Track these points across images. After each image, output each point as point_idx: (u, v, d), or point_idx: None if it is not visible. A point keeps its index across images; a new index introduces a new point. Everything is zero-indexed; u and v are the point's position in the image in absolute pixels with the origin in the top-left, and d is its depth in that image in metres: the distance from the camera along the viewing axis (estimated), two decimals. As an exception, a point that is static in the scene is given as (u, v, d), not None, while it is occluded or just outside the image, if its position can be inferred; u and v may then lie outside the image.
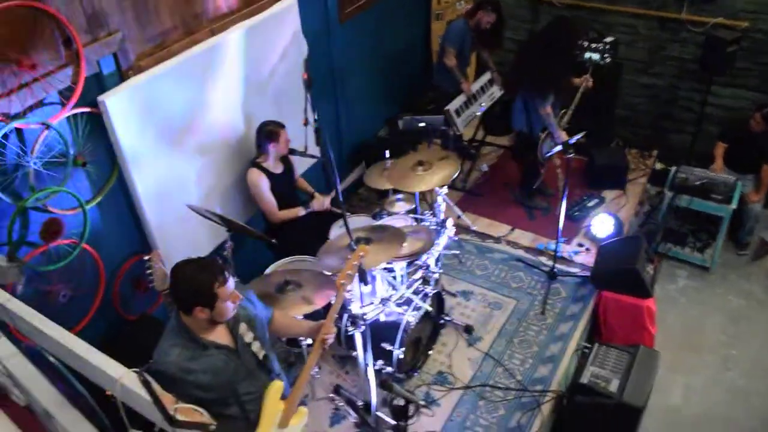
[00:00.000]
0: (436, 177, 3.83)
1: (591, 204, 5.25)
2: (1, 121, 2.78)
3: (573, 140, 4.09)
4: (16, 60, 2.77)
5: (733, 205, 4.73)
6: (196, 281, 2.29)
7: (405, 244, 3.33)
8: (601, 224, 4.84)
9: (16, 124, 2.85)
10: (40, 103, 2.96)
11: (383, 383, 2.65)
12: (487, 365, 4.03)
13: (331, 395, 3.83)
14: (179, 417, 1.63)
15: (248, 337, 2.53)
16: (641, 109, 5.80)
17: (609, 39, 5.34)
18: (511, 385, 3.89)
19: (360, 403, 3.70)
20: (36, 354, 2.47)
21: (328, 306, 2.99)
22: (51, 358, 2.29)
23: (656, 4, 5.25)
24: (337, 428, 3.72)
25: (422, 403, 2.66)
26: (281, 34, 4.19)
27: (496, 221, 5.25)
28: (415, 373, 3.95)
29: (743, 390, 4.23)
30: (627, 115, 5.88)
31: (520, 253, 4.92)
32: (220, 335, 2.47)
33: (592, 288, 4.45)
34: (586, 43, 5.38)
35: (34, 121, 2.93)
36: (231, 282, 2.36)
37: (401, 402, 2.63)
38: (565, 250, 4.86)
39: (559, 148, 4.10)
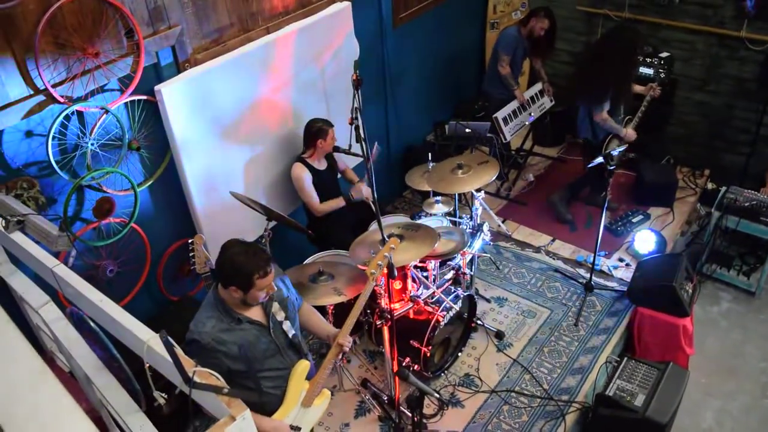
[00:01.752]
0: (474, 181, 3.88)
1: (636, 220, 5.19)
2: (64, 104, 2.99)
3: (616, 152, 4.06)
4: (82, 48, 2.98)
5: (783, 230, 4.59)
6: (240, 264, 2.44)
7: (437, 244, 3.39)
8: (644, 240, 4.78)
9: (77, 106, 3.06)
10: (101, 89, 3.17)
11: (399, 373, 2.72)
12: (514, 371, 4.04)
13: (358, 388, 3.92)
14: (197, 379, 1.75)
15: (280, 316, 2.66)
16: (695, 127, 5.69)
17: (664, 54, 5.32)
18: (537, 393, 3.89)
19: (385, 398, 3.78)
20: (79, 319, 2.66)
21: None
22: (92, 323, 2.46)
23: (715, 20, 5.14)
24: (361, 420, 3.81)
25: (437, 395, 2.70)
26: (334, 36, 4.33)
27: (537, 231, 5.24)
28: (443, 374, 4.00)
29: (781, 419, 4.11)
30: (680, 133, 5.77)
31: (559, 263, 4.90)
32: (253, 312, 2.60)
33: (629, 303, 4.40)
34: (639, 58, 5.36)
35: (94, 105, 3.14)
36: (271, 276, 2.50)
37: (416, 393, 2.69)
38: (605, 263, 4.82)
39: (600, 159, 4.08)
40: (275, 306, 2.63)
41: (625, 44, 4.50)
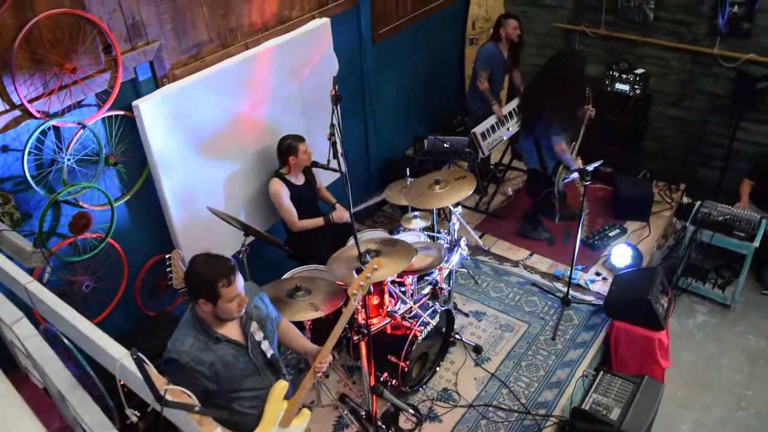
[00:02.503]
0: (451, 196, 3.92)
1: (612, 234, 5.25)
2: (40, 119, 2.99)
3: (591, 167, 4.12)
4: (59, 63, 2.98)
5: (756, 243, 4.66)
6: (202, 274, 2.43)
7: (414, 259, 3.41)
8: (620, 254, 4.84)
9: (54, 122, 3.06)
10: (78, 104, 3.18)
11: (374, 389, 2.73)
12: (492, 386, 4.06)
13: (336, 403, 3.92)
14: (168, 397, 1.75)
15: (258, 335, 2.65)
16: (670, 142, 5.79)
17: (639, 71, 5.42)
18: (515, 407, 3.91)
19: (363, 413, 3.78)
20: (53, 336, 2.64)
21: (337, 314, 3.08)
22: (65, 340, 2.45)
23: (689, 38, 5.25)
24: (339, 435, 3.81)
25: (411, 411, 2.72)
26: (313, 51, 4.36)
27: (515, 245, 5.29)
28: (421, 388, 4.01)
29: (756, 431, 4.15)
30: (656, 148, 5.86)
31: (537, 278, 4.94)
32: (231, 331, 2.59)
33: (606, 317, 4.45)
34: (615, 74, 5.46)
35: (71, 120, 3.15)
36: (238, 285, 2.47)
37: (392, 409, 2.69)
38: (582, 278, 4.87)
39: (576, 175, 4.14)
40: (254, 325, 2.63)
41: (575, 71, 4.55)
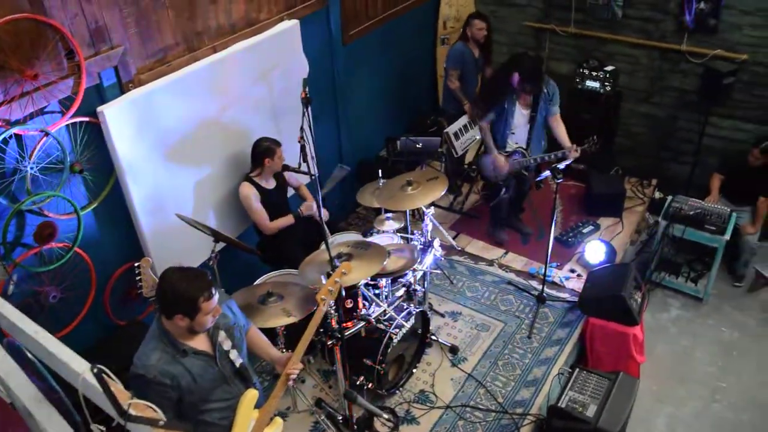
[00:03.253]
0: (423, 197, 3.91)
1: (586, 230, 5.29)
2: (1, 127, 2.92)
3: (563, 165, 4.14)
4: (19, 69, 2.91)
5: (727, 236, 4.72)
6: (182, 290, 2.39)
7: (386, 261, 3.40)
8: (594, 251, 4.87)
9: (15, 130, 2.99)
10: (41, 111, 3.11)
11: (346, 394, 2.71)
12: (469, 386, 4.06)
13: (313, 409, 3.89)
14: (132, 412, 1.71)
15: (226, 345, 2.62)
16: (641, 138, 5.85)
17: (609, 68, 5.46)
18: (492, 407, 3.91)
19: (340, 418, 3.75)
20: (16, 350, 2.58)
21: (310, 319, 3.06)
22: (29, 354, 2.39)
23: (657, 34, 5.31)
24: (316, 441, 3.78)
25: (385, 416, 2.70)
26: (282, 54, 4.32)
27: (490, 245, 5.29)
28: (397, 391, 3.99)
29: (731, 422, 4.20)
30: (627, 144, 5.92)
31: (512, 276, 4.96)
32: (199, 342, 2.55)
33: (581, 314, 4.47)
34: (586, 72, 5.50)
35: (33, 128, 3.07)
36: (215, 298, 2.46)
37: (366, 414, 2.67)
38: (557, 275, 4.89)
39: (548, 173, 4.15)
40: (221, 335, 2.59)
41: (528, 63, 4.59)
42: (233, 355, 2.60)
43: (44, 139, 3.13)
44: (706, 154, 5.48)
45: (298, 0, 4.43)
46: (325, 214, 4.07)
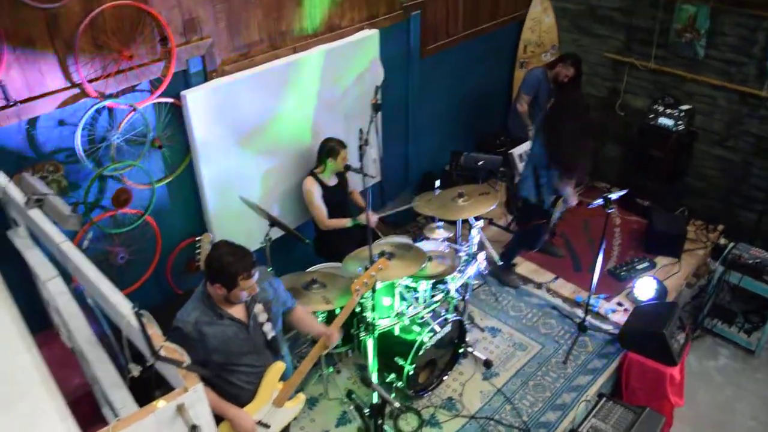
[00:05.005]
0: (472, 209, 4.04)
1: (641, 266, 5.22)
2: (96, 98, 3.27)
3: (616, 196, 4.15)
4: (118, 49, 3.27)
5: (786, 291, 4.59)
6: (226, 263, 2.63)
7: (424, 264, 3.54)
8: (644, 287, 4.82)
9: (108, 102, 3.34)
10: (132, 89, 3.45)
11: (363, 378, 2.87)
12: (496, 400, 4.13)
13: (343, 398, 4.06)
14: (162, 353, 1.93)
15: (262, 317, 2.83)
16: (712, 181, 5.72)
17: (685, 107, 5.40)
18: (516, 424, 3.96)
19: (366, 411, 3.90)
20: (79, 295, 2.89)
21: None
22: (89, 300, 2.69)
23: (738, 78, 5.21)
24: (341, 429, 3.94)
25: (397, 404, 2.84)
26: (359, 60, 4.55)
27: (542, 268, 5.32)
28: (426, 394, 4.11)
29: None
30: (698, 186, 5.80)
31: (558, 301, 4.97)
32: (237, 310, 2.79)
33: (620, 348, 4.44)
34: (661, 108, 5.46)
35: (124, 102, 3.43)
36: (255, 278, 2.69)
37: (379, 400, 2.82)
38: (604, 306, 4.87)
39: (600, 201, 4.16)
40: (258, 307, 2.80)
41: (576, 108, 4.52)
42: (267, 327, 2.81)
43: (132, 113, 3.47)
44: (777, 205, 5.32)
45: (380, 11, 4.65)
46: (375, 219, 4.25)
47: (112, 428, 1.74)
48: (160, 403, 1.82)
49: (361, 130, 3.51)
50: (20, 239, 3.22)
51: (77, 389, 3.19)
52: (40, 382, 2.20)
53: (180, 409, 1.84)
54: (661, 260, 5.35)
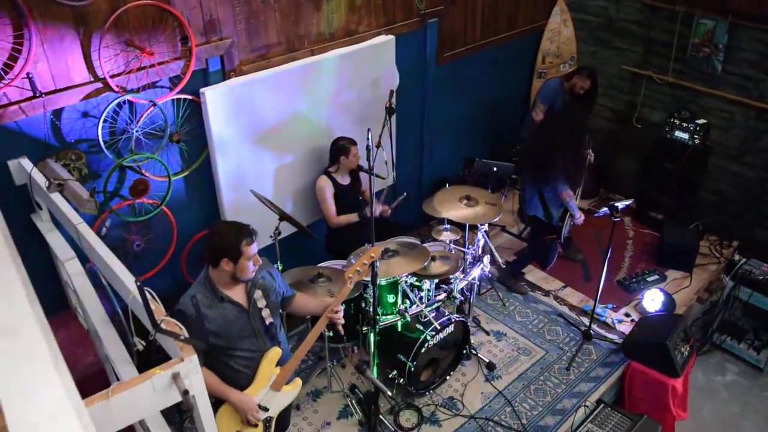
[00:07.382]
0: (475, 216, 4.12)
1: (650, 279, 5.23)
2: (118, 93, 3.44)
3: (623, 205, 4.19)
4: (140, 47, 3.43)
5: (796, 309, 4.56)
6: (228, 236, 2.76)
7: (427, 263, 3.62)
8: (651, 299, 4.83)
9: (129, 97, 3.51)
10: (152, 85, 3.61)
11: (358, 367, 2.95)
12: (497, 402, 4.18)
13: (346, 392, 4.15)
14: (163, 326, 2.06)
15: (261, 303, 2.95)
16: (728, 196, 5.70)
17: (701, 121, 5.41)
18: (514, 426, 4.01)
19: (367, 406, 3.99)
20: (94, 275, 3.05)
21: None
22: (103, 279, 2.83)
23: (756, 93, 5.21)
24: (342, 422, 4.03)
25: (389, 394, 2.92)
26: (375, 65, 4.67)
27: (551, 276, 5.37)
28: (428, 392, 4.18)
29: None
30: (713, 201, 5.79)
31: (565, 309, 5.01)
32: (237, 294, 2.90)
33: (624, 358, 4.46)
34: (677, 122, 5.48)
35: (144, 97, 3.58)
36: (255, 245, 2.81)
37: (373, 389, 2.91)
38: (611, 316, 4.89)
39: (605, 210, 4.21)
40: (258, 293, 2.92)
41: (578, 128, 4.61)
42: (265, 313, 2.92)
43: (151, 108, 3.63)
44: (793, 223, 5.29)
45: (397, 18, 4.78)
46: (384, 209, 4.37)
47: (112, 390, 1.87)
48: (157, 371, 1.94)
49: (369, 130, 3.61)
50: (43, 222, 3.40)
51: (90, 366, 3.34)
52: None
53: (175, 378, 1.96)
54: (672, 274, 5.35)
